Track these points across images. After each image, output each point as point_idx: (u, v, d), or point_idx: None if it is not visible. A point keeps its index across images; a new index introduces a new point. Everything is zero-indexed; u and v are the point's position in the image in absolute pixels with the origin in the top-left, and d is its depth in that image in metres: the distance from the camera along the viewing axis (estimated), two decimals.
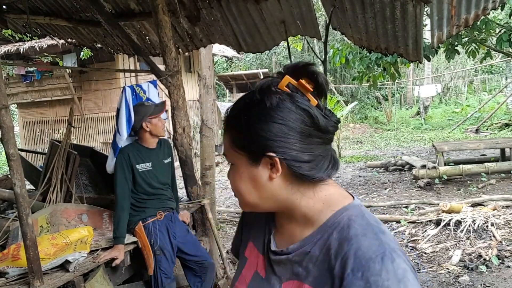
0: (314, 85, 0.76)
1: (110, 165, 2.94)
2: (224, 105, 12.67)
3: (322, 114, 0.76)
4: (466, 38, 6.88)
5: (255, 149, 0.76)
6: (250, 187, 0.79)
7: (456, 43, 6.93)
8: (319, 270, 0.75)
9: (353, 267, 0.70)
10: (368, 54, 6.64)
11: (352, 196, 0.82)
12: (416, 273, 0.73)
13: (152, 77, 3.62)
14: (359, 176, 8.80)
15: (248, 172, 0.78)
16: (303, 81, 0.76)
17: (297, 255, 0.79)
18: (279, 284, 0.81)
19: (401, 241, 4.84)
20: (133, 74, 10.55)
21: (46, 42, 9.50)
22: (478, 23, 6.02)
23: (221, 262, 3.61)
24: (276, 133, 0.74)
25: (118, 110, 2.99)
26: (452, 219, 4.82)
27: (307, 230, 0.79)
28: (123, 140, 2.91)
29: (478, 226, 4.60)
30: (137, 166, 2.77)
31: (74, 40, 4.73)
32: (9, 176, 3.15)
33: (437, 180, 7.16)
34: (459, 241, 4.49)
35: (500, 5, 3.86)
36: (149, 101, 3.26)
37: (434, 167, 7.28)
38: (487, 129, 14.04)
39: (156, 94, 3.43)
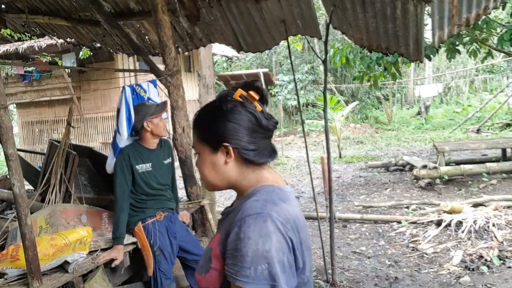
0: (259, 96, 1.08)
1: (109, 165, 2.92)
2: None
3: (265, 117, 1.07)
4: (467, 38, 6.85)
5: (215, 141, 1.05)
6: (211, 170, 1.08)
7: (457, 43, 6.91)
8: (228, 222, 1.03)
9: (237, 218, 0.97)
10: (368, 53, 6.62)
11: (286, 182, 1.12)
12: (288, 241, 0.95)
13: (152, 76, 3.60)
14: (360, 176, 8.78)
15: (210, 159, 1.08)
16: (251, 93, 1.06)
17: (226, 215, 1.10)
18: (215, 236, 1.08)
19: (402, 241, 4.82)
20: (132, 73, 10.54)
21: (45, 41, 9.48)
22: (479, 22, 5.99)
23: None
24: (230, 129, 1.04)
25: (118, 110, 2.97)
26: (453, 219, 4.81)
27: (240, 200, 1.08)
28: (124, 140, 2.90)
29: (479, 226, 4.58)
30: (137, 167, 2.75)
31: (73, 40, 4.71)
32: (8, 176, 3.13)
33: (438, 180, 7.15)
34: (460, 241, 4.47)
35: (501, 4, 3.84)
36: (150, 101, 3.24)
37: (435, 167, 7.27)
38: (488, 129, 14.02)
39: (156, 93, 3.42)
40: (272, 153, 1.10)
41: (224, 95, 1.08)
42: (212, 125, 1.06)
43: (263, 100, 1.10)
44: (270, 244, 0.91)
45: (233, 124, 1.04)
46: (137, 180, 2.76)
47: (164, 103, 2.96)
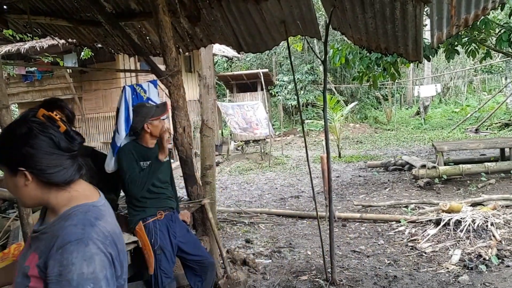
0: (63, 115, 1.10)
1: (108, 164, 2.94)
2: (225, 105, 12.67)
3: (68, 137, 1.08)
4: (466, 38, 6.88)
5: (12, 165, 1.07)
6: (16, 191, 1.10)
7: (456, 43, 6.94)
8: (45, 245, 1.04)
9: (57, 246, 1.00)
10: (368, 54, 6.65)
11: (100, 194, 1.18)
12: (108, 256, 1.03)
13: (153, 77, 3.62)
14: (359, 176, 8.81)
15: (11, 180, 1.09)
16: (55, 112, 1.08)
17: (40, 233, 1.09)
18: (30, 253, 1.08)
19: (401, 240, 4.85)
20: (133, 74, 10.56)
21: (46, 42, 9.50)
22: (478, 23, 6.02)
23: (221, 261, 3.62)
24: (25, 153, 1.04)
25: (118, 110, 2.99)
26: (451, 218, 4.83)
27: (54, 217, 1.10)
28: (122, 139, 2.91)
29: (477, 225, 4.60)
30: (140, 163, 2.78)
31: (74, 40, 4.73)
32: None
33: (437, 180, 7.17)
34: (459, 240, 4.50)
35: (500, 5, 3.87)
36: (150, 102, 3.26)
37: (434, 167, 7.29)
38: (486, 129, 14.05)
39: (156, 94, 3.44)
40: (78, 170, 1.12)
41: (24, 116, 1.08)
42: (8, 150, 1.06)
43: (68, 119, 1.12)
44: (94, 266, 0.99)
45: (28, 148, 1.04)
46: None
47: (164, 104, 2.98)
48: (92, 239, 1.01)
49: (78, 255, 0.98)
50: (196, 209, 3.50)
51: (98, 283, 0.99)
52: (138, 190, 2.72)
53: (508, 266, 3.91)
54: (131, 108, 2.94)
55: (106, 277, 1.01)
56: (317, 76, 18.14)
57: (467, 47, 7.05)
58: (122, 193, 3.18)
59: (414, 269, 4.05)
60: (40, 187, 1.09)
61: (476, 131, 13.76)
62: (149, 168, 2.73)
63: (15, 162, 1.06)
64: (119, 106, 3.01)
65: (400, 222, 5.36)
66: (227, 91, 16.69)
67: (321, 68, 16.89)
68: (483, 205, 5.44)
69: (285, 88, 17.99)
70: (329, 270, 3.83)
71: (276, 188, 8.44)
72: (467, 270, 3.88)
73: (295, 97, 16.84)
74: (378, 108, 20.55)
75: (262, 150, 12.60)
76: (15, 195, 1.13)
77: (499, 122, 14.36)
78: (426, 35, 5.80)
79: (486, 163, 7.36)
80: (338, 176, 8.95)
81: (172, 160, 3.19)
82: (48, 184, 1.08)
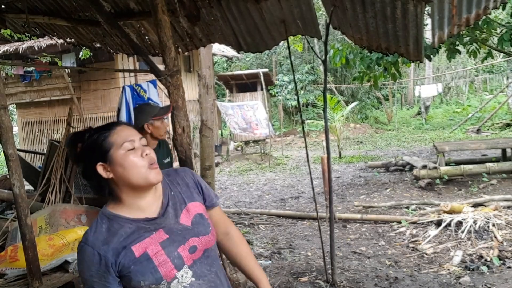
0: None
1: None
2: (224, 105, 12.65)
3: None
4: (467, 38, 6.85)
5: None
6: None
7: (457, 43, 6.91)
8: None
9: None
10: (368, 53, 6.62)
11: None
12: (96, 254, 1.16)
13: (152, 77, 3.60)
14: (360, 177, 8.78)
15: None
16: None
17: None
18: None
19: (402, 241, 4.82)
20: (132, 74, 10.54)
21: (45, 41, 9.48)
22: (479, 22, 5.99)
23: (221, 262, 3.59)
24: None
25: (119, 110, 2.97)
26: (453, 219, 4.80)
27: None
28: None
29: (479, 226, 4.58)
30: None
31: (73, 40, 4.70)
32: (8, 176, 3.13)
33: (438, 181, 7.15)
34: (460, 241, 4.47)
35: (501, 4, 3.83)
36: (153, 102, 3.25)
37: (435, 167, 7.26)
38: (488, 129, 14.02)
39: (156, 93, 3.42)
40: None
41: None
42: None
43: None
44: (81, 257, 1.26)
45: None
46: None
47: (168, 107, 2.96)
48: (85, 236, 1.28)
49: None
50: None
51: None
52: None
53: (509, 267, 3.88)
54: (131, 108, 2.92)
55: None
56: (318, 76, 18.12)
57: (468, 47, 7.02)
58: None
59: (415, 271, 4.03)
60: None
61: (478, 131, 13.73)
62: None
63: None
64: (119, 107, 3.00)
65: (401, 223, 5.33)
66: (227, 91, 16.68)
67: (322, 68, 16.88)
68: (485, 206, 5.41)
69: (285, 88, 17.97)
70: (330, 271, 3.80)
71: (276, 189, 8.42)
72: (468, 272, 3.86)
73: (295, 97, 16.80)
74: (378, 108, 20.53)
75: (262, 151, 12.57)
76: None
77: (501, 122, 14.33)
78: (427, 34, 5.79)
79: (487, 164, 7.33)
80: (338, 177, 8.92)
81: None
82: None
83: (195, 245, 1.24)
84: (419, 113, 18.40)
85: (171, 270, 1.18)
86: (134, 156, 1.21)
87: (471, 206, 5.31)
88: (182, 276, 1.20)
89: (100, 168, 1.21)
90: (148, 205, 1.26)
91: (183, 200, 1.31)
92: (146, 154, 1.23)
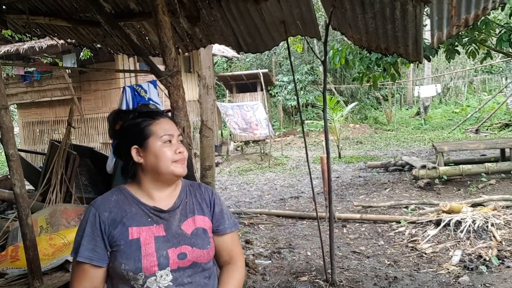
0: None
1: (110, 166, 2.94)
2: (224, 105, 12.66)
3: None
4: (466, 38, 6.87)
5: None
6: None
7: (456, 43, 6.93)
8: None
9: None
10: (368, 54, 6.63)
11: None
12: (96, 216, 1.23)
13: (152, 77, 3.61)
14: (359, 176, 8.80)
15: None
16: None
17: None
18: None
19: (401, 241, 4.84)
20: (132, 74, 10.55)
21: (45, 42, 9.49)
22: (478, 23, 6.01)
23: None
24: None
25: None
26: (452, 219, 4.82)
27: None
28: None
29: (478, 226, 4.59)
30: None
31: (73, 40, 4.72)
32: (9, 176, 3.14)
33: (437, 181, 7.16)
34: (459, 241, 4.49)
35: (500, 5, 3.85)
36: (152, 102, 3.26)
37: (434, 168, 7.28)
38: (487, 129, 14.04)
39: (156, 94, 3.44)
40: None
41: None
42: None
43: None
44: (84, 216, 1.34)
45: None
46: None
47: (168, 111, 2.97)
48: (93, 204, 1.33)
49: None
50: None
51: None
52: None
53: (508, 267, 3.89)
54: (131, 108, 2.93)
55: None
56: (317, 76, 18.14)
57: (467, 47, 7.04)
58: None
59: (414, 270, 4.04)
60: None
61: (477, 131, 13.75)
62: None
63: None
64: (120, 107, 3.01)
65: (400, 222, 5.34)
66: (227, 91, 16.69)
67: (321, 68, 16.88)
68: (484, 205, 5.42)
69: (285, 89, 17.98)
70: (329, 271, 3.82)
71: (276, 189, 8.43)
72: (467, 271, 3.87)
73: (295, 97, 16.83)
74: (378, 108, 20.54)
75: (262, 151, 12.59)
76: None
77: (500, 123, 14.35)
78: (426, 35, 5.80)
79: (486, 164, 7.35)
80: (338, 177, 8.93)
81: None
82: None
83: (186, 253, 1.26)
84: (418, 113, 18.41)
85: (153, 266, 1.21)
86: (168, 150, 1.27)
87: (470, 206, 5.32)
88: (161, 276, 1.22)
89: (134, 151, 1.27)
90: (162, 198, 1.30)
91: (193, 211, 1.35)
92: (180, 152, 1.29)
